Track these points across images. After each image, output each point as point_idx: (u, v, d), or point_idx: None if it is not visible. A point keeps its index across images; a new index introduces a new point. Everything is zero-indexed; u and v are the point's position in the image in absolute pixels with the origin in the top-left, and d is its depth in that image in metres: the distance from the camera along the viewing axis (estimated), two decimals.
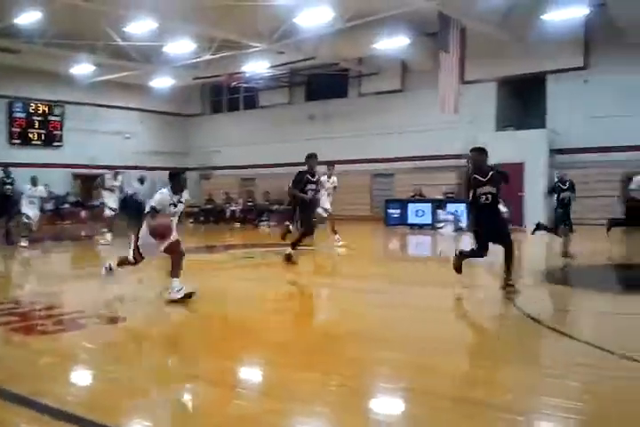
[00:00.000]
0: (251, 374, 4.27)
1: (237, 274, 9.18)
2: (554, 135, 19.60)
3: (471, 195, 6.88)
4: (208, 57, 21.60)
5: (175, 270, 6.46)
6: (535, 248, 14.40)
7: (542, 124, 20.17)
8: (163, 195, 6.45)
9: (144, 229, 6.45)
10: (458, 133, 20.72)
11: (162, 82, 25.28)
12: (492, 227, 6.79)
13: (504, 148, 19.44)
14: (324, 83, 25.89)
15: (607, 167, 17.74)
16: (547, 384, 3.91)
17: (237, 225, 22.32)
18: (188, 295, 6.35)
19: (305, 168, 10.14)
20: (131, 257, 6.68)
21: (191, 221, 22.56)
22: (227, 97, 29.58)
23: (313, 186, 10.13)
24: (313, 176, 10.15)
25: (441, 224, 17.77)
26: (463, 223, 17.68)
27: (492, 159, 21.48)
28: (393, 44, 19.98)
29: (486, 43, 19.95)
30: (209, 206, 24.92)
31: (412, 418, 3.34)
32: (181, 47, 20.38)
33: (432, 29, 19.30)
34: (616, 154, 17.97)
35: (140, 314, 6.24)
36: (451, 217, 17.45)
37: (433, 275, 9.33)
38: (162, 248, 6.46)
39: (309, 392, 3.67)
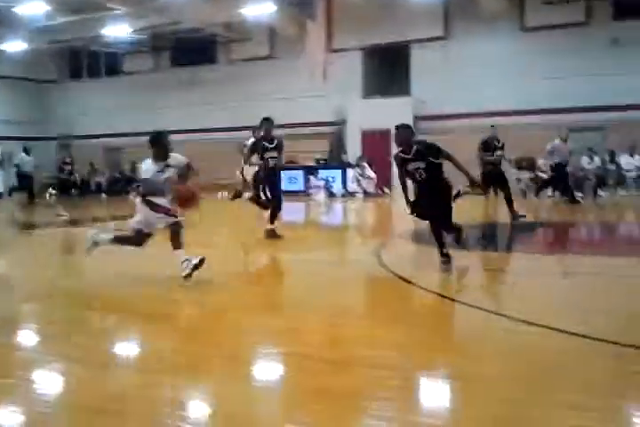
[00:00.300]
0: (127, 349, 4.15)
1: (105, 247, 8.81)
2: (418, 103, 20.30)
3: (400, 173, 6.51)
4: (64, 19, 20.26)
5: (178, 242, 5.92)
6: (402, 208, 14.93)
7: (407, 92, 20.82)
8: (147, 164, 5.95)
9: (140, 205, 5.91)
10: (327, 101, 20.92)
11: (14, 46, 23.42)
12: (430, 203, 6.41)
13: (371, 115, 19.97)
14: (191, 48, 25.13)
15: (468, 134, 18.64)
16: (416, 341, 4.10)
17: (104, 197, 21.40)
18: (198, 265, 5.78)
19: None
20: (131, 233, 6.04)
21: (52, 193, 21.25)
22: (86, 62, 27.99)
23: (273, 153, 8.82)
24: (271, 142, 8.89)
25: (313, 191, 18.00)
26: (335, 189, 18.04)
27: (362, 126, 21.92)
28: (260, 10, 19.70)
29: (353, 11, 20.18)
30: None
31: (292, 382, 3.39)
32: (34, 8, 18.94)
33: None
34: (476, 120, 18.93)
35: (3, 295, 5.87)
36: (322, 183, 17.72)
37: (305, 241, 9.46)
38: (164, 221, 5.86)
39: (189, 363, 3.62)
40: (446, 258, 6.27)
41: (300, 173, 18.87)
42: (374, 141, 20.05)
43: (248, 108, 23.35)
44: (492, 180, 10.65)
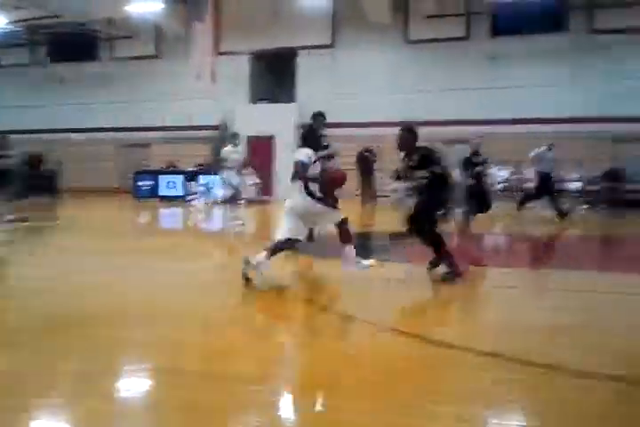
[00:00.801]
0: None
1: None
2: (303, 109, 20.40)
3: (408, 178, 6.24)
4: None
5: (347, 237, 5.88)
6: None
7: (293, 99, 20.89)
8: (307, 150, 5.85)
9: (300, 199, 5.78)
10: (214, 105, 20.61)
11: None
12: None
13: (258, 120, 19.89)
14: (71, 43, 24.00)
15: (351, 142, 18.94)
16: (288, 354, 4.01)
17: None
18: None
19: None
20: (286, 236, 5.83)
21: None
22: None
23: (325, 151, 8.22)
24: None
25: (192, 197, 17.55)
26: (216, 195, 17.72)
27: (248, 131, 21.69)
28: (146, 7, 19.18)
29: (241, 15, 20.06)
30: None
31: (159, 398, 3.21)
32: None
33: None
34: (358, 130, 19.28)
35: None
36: (202, 189, 17.31)
37: (181, 249, 9.16)
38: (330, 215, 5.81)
39: (49, 381, 3.33)
40: (435, 263, 6.23)
41: (179, 178, 18.37)
42: (259, 147, 19.95)
43: (132, 108, 22.60)
44: (477, 197, 10.17)
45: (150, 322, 4.65)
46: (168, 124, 21.95)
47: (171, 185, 18.28)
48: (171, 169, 19.57)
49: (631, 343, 4.17)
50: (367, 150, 11.33)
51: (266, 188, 18.70)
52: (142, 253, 8.38)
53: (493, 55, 19.11)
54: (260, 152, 19.77)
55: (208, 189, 17.52)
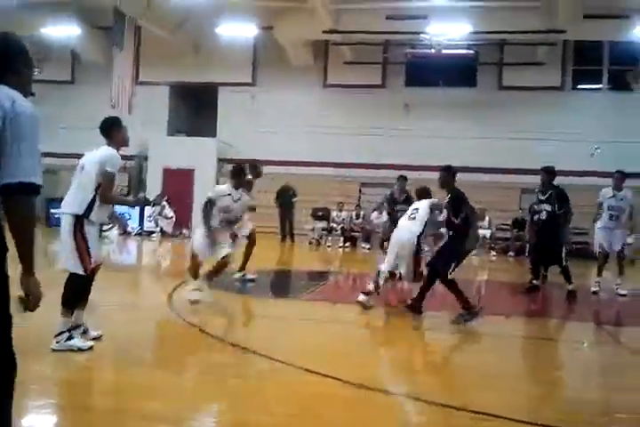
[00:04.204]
0: None
1: None
2: (224, 145, 20.41)
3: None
4: None
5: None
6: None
7: (213, 133, 20.88)
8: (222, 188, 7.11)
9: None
10: (131, 134, 20.26)
11: None
12: None
13: (175, 153, 19.69)
14: None
15: (268, 179, 19.00)
16: (197, 390, 3.99)
17: None
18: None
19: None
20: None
21: None
22: None
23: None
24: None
25: (106, 227, 17.04)
26: (130, 227, 17.28)
27: (164, 163, 21.20)
28: (63, 31, 18.92)
29: (162, 46, 19.99)
30: None
31: None
32: None
33: (106, 23, 18.57)
34: (273, 167, 19.41)
35: None
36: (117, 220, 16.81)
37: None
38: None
39: None
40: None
41: None
42: (176, 180, 19.67)
43: (44, 134, 21.85)
44: None
45: (60, 359, 4.51)
46: (80, 151, 21.36)
47: None
48: None
49: None
50: (289, 187, 11.40)
51: (183, 222, 18.34)
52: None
53: (407, 104, 19.88)
54: (179, 185, 19.48)
55: (123, 220, 17.00)
